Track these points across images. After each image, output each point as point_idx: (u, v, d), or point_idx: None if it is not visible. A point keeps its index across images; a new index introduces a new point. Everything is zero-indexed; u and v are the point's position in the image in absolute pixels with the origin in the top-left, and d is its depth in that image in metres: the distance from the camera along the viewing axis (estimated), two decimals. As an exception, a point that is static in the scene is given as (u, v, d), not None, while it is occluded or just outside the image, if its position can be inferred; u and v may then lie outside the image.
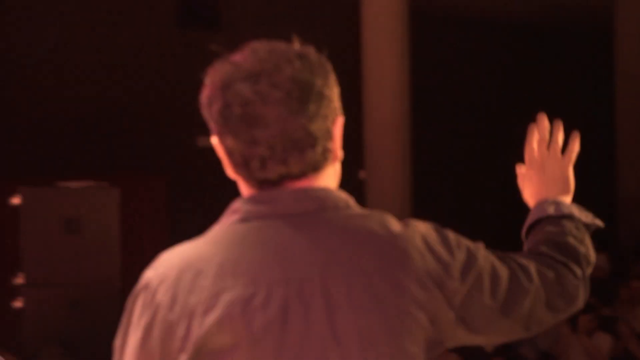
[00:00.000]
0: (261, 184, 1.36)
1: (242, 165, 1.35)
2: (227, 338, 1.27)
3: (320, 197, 1.36)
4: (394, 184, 7.93)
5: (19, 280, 6.09)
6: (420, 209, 7.99)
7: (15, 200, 6.03)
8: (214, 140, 1.39)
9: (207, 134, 1.35)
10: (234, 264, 1.30)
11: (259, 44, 1.36)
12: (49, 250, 5.94)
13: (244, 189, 1.39)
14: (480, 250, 1.42)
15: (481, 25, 10.23)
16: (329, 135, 1.36)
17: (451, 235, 1.42)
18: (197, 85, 1.33)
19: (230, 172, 1.39)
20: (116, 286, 5.80)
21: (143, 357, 1.32)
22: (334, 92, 1.38)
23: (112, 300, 5.76)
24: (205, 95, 1.37)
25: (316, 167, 1.37)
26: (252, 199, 1.37)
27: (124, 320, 1.38)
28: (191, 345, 1.27)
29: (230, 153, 1.35)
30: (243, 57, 1.34)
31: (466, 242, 1.42)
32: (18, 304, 6.09)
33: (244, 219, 1.35)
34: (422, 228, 1.40)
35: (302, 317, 1.28)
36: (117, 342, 1.39)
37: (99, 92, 6.97)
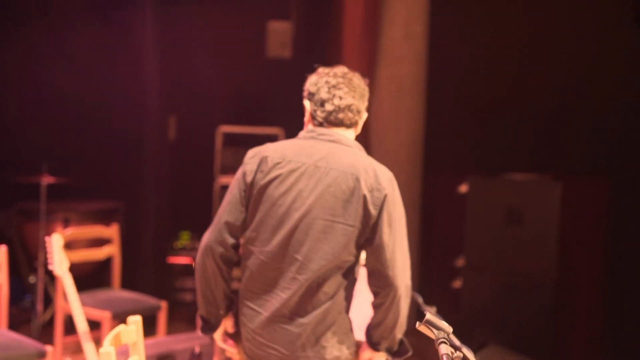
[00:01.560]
0: (320, 124, 2.93)
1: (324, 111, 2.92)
2: (280, 179, 2.82)
3: (340, 137, 2.89)
4: None
5: (460, 262, 6.47)
6: None
7: (463, 189, 6.41)
8: (307, 104, 2.95)
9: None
10: (292, 153, 2.84)
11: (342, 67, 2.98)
12: (490, 237, 6.22)
13: (309, 125, 2.96)
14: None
15: None
16: (360, 116, 2.99)
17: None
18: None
19: (307, 120, 2.98)
20: (551, 278, 5.86)
21: (240, 184, 2.90)
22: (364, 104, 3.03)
23: (546, 290, 5.82)
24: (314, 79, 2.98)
25: (351, 125, 2.96)
26: (306, 131, 2.94)
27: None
28: (267, 178, 2.83)
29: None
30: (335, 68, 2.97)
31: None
32: (457, 284, 6.47)
33: (300, 138, 2.94)
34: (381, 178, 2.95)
35: (311, 175, 2.80)
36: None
37: (551, 89, 7.05)
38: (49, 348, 4.15)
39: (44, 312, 6.19)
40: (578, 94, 6.91)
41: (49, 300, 6.36)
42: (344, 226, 2.79)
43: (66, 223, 6.18)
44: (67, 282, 3.78)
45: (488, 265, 6.14)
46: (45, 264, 6.06)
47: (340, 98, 2.90)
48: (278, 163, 2.83)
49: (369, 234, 2.83)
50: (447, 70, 7.23)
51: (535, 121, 7.08)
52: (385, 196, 2.82)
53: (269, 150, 2.88)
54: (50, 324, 6.02)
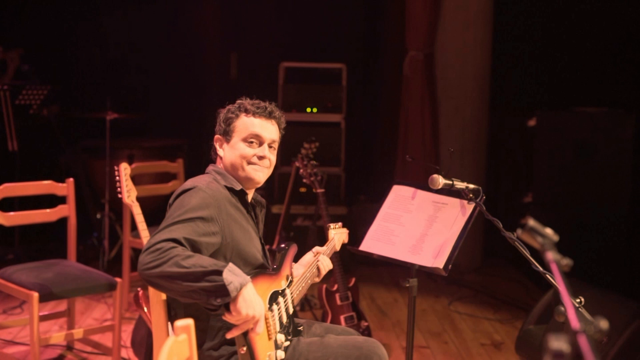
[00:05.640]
0: None
1: None
2: None
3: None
4: None
5: (529, 198, 6.32)
6: None
7: (532, 123, 6.22)
8: None
9: None
10: None
11: None
12: (560, 172, 6.04)
13: None
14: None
15: None
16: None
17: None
18: None
19: None
20: (623, 211, 5.70)
21: None
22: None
23: (618, 225, 5.67)
24: None
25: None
26: None
27: None
28: None
29: None
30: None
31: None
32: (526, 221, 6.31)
33: None
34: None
35: None
36: None
37: (622, 20, 6.71)
38: (118, 280, 4.17)
39: (110, 250, 6.25)
40: None
41: (115, 238, 6.41)
42: None
43: (131, 159, 6.19)
44: (135, 211, 3.77)
45: (557, 201, 5.98)
46: (111, 200, 6.10)
47: None
48: None
49: None
50: (514, 0, 6.98)
51: (605, 53, 6.81)
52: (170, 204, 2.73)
53: None
54: (116, 260, 6.07)
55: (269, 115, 2.86)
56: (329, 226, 3.30)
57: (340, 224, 3.37)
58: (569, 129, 6.04)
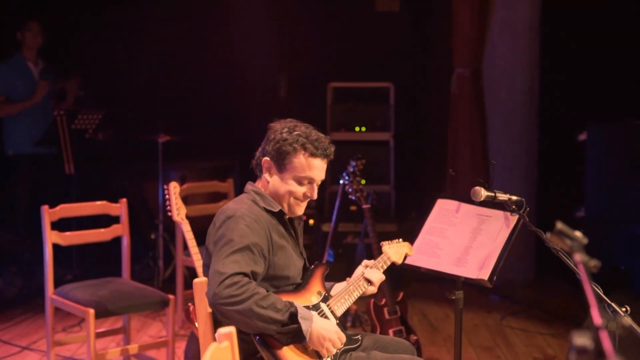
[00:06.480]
0: None
1: None
2: None
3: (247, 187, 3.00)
4: None
5: (581, 213, 6.25)
6: None
7: (583, 136, 6.16)
8: None
9: None
10: None
11: None
12: (612, 186, 5.96)
13: None
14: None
15: None
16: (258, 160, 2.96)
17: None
18: None
19: None
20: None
21: None
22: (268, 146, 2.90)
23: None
24: None
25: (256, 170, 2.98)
26: None
27: None
28: None
29: None
30: None
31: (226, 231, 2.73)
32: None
33: None
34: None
35: None
36: None
37: None
38: (171, 297, 4.26)
39: (165, 269, 6.37)
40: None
41: (169, 258, 6.53)
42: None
43: (183, 180, 6.32)
44: (185, 228, 3.87)
45: (610, 215, 5.90)
46: (165, 221, 6.23)
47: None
48: None
49: None
50: (563, 12, 6.94)
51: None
52: (216, 228, 2.80)
53: None
54: (170, 280, 6.19)
55: (326, 157, 2.88)
56: (383, 244, 3.22)
57: (399, 239, 3.27)
58: (621, 141, 5.96)
